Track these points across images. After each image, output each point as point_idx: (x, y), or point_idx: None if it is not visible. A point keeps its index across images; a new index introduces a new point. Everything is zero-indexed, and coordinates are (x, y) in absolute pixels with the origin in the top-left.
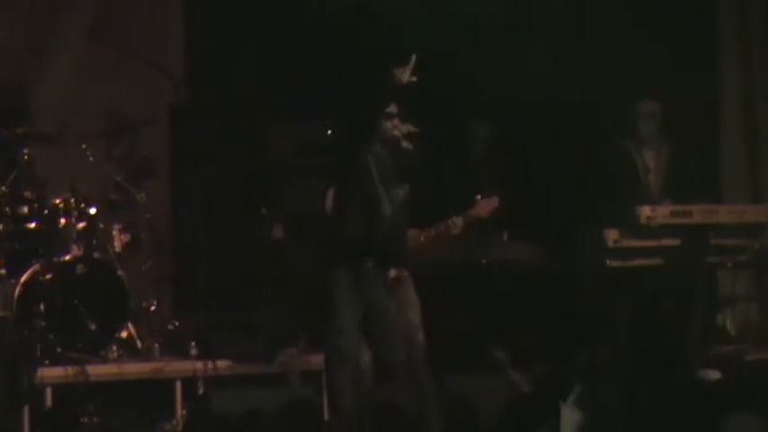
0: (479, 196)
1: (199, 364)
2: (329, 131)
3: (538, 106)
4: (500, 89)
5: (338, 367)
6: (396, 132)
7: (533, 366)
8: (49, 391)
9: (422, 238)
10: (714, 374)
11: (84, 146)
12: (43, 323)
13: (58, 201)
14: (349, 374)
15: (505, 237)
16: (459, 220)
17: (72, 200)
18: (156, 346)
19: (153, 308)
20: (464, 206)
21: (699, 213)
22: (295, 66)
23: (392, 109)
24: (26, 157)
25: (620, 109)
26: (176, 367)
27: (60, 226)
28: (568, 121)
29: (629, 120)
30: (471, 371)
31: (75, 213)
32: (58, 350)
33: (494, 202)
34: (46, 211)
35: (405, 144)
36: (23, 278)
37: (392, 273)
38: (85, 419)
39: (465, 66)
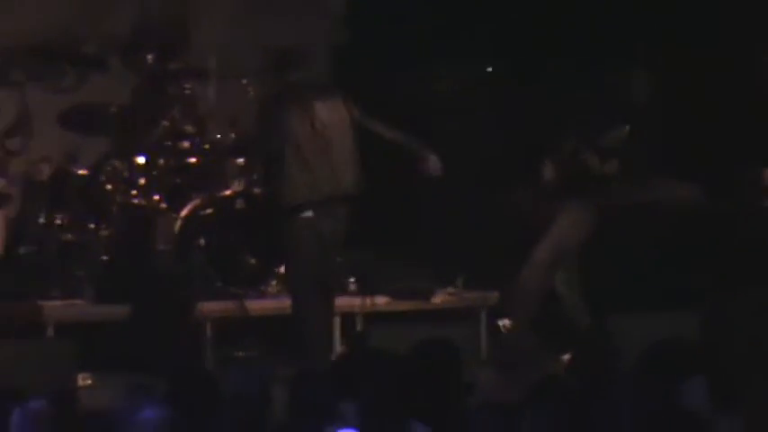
0: None
1: (357, 300)
2: (489, 69)
3: (696, 48)
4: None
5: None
6: None
7: (691, 309)
8: (208, 326)
9: None
10: None
11: (244, 81)
12: (203, 258)
13: (218, 136)
14: None
15: (666, 177)
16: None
17: (232, 135)
18: None
19: None
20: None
21: None
22: (457, 3)
23: None
24: (187, 92)
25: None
26: (335, 303)
27: (221, 161)
28: (726, 62)
29: None
30: (626, 310)
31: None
32: (218, 285)
33: None
34: (207, 146)
35: None
36: (184, 213)
37: None
38: (243, 353)
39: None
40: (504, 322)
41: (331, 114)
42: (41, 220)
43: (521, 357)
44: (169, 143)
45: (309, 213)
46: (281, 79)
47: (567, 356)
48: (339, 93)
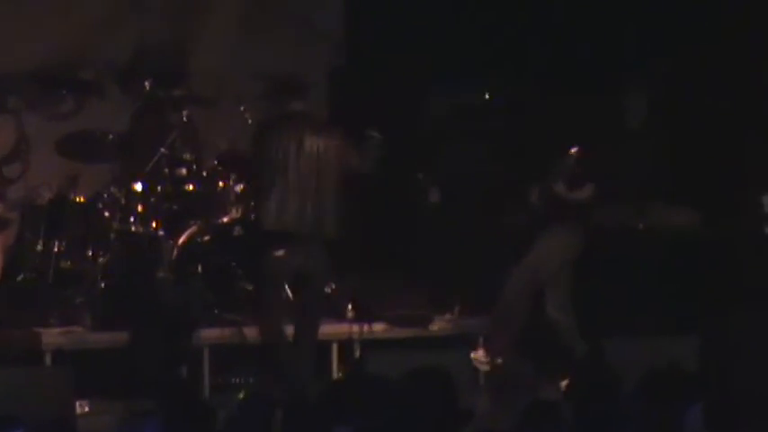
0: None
1: (355, 327)
2: (486, 96)
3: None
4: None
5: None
6: None
7: (685, 337)
8: (206, 352)
9: None
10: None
11: (242, 108)
12: (200, 284)
13: (216, 163)
14: None
15: (662, 202)
16: None
17: (230, 162)
18: None
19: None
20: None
21: None
22: (454, 28)
23: None
24: (185, 120)
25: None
26: (333, 330)
27: (218, 188)
28: (723, 86)
29: None
30: (622, 335)
31: (233, 176)
32: (216, 311)
33: None
34: (204, 173)
35: None
36: (181, 239)
37: None
38: (239, 380)
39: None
40: (478, 354)
41: (320, 152)
42: (39, 247)
43: (515, 384)
44: (166, 170)
45: (281, 252)
46: (280, 108)
47: (564, 382)
48: (337, 133)
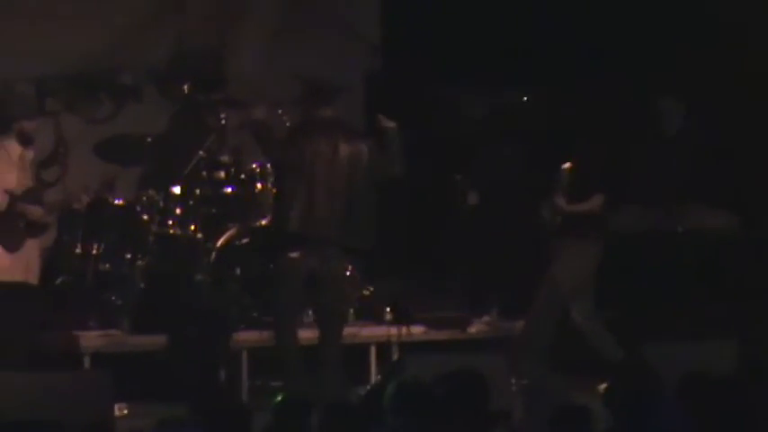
0: None
1: (393, 330)
2: (525, 98)
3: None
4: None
5: None
6: None
7: (723, 341)
8: (244, 355)
9: None
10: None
11: (279, 112)
12: (239, 287)
13: (254, 166)
14: None
15: (701, 204)
16: None
17: (268, 165)
18: (351, 311)
19: (348, 273)
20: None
21: None
22: (490, 30)
23: None
24: (223, 123)
25: None
26: (371, 332)
27: (256, 191)
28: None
29: None
30: (659, 339)
31: (272, 179)
32: (254, 314)
33: None
34: (242, 176)
35: None
36: (219, 242)
37: None
38: (278, 383)
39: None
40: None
41: (350, 159)
42: (78, 250)
43: (545, 395)
44: (205, 173)
45: (296, 254)
46: (310, 113)
47: (603, 386)
48: (368, 140)
